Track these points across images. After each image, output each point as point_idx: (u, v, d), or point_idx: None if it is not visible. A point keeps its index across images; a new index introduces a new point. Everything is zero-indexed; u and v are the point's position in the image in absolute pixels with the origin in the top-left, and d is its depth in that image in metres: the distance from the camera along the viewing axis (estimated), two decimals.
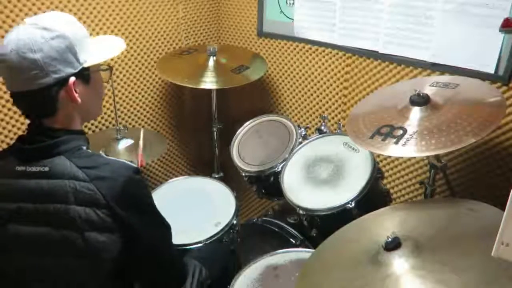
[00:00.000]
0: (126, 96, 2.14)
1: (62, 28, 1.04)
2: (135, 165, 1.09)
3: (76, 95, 1.07)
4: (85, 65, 1.08)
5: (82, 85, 1.09)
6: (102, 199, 1.01)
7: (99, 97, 1.22)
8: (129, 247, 1.07)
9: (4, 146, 1.78)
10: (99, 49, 1.15)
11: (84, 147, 1.11)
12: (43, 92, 1.03)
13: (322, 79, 2.07)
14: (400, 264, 0.97)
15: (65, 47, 1.03)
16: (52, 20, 1.05)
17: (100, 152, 1.13)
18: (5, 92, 1.73)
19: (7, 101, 1.75)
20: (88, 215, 1.01)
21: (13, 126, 1.79)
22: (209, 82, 1.93)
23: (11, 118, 1.77)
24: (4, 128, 1.77)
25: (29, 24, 1.03)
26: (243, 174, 1.83)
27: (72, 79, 1.05)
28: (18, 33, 1.02)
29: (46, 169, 1.04)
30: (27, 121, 1.13)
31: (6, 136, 1.78)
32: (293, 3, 2.05)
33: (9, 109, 1.76)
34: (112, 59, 1.99)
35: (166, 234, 1.19)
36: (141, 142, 1.68)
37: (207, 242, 1.58)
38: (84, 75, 1.10)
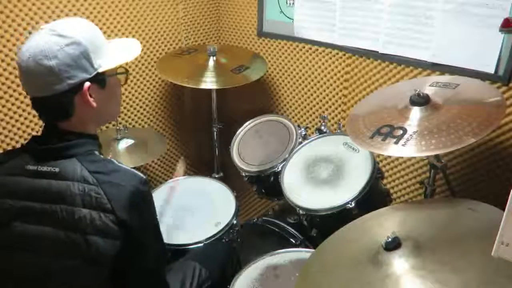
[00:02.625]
0: (126, 96, 2.14)
1: (77, 34, 1.05)
2: (144, 176, 1.09)
3: (91, 99, 1.08)
4: (100, 70, 1.09)
5: (97, 90, 1.10)
6: (108, 204, 1.02)
7: (116, 100, 1.23)
8: (128, 254, 1.07)
9: (4, 146, 1.78)
10: (114, 54, 1.15)
11: (96, 152, 1.12)
12: (59, 98, 1.05)
13: (322, 79, 2.07)
14: (400, 264, 0.97)
15: (80, 54, 1.04)
16: (68, 26, 1.07)
17: (110, 157, 1.13)
18: (5, 92, 1.73)
19: (7, 101, 1.75)
20: (93, 219, 1.02)
21: (13, 126, 1.79)
22: (209, 82, 1.93)
23: (11, 118, 1.77)
24: (4, 128, 1.77)
25: (46, 30, 1.04)
26: (243, 174, 1.83)
27: (87, 84, 1.06)
28: (35, 39, 1.03)
29: (56, 170, 1.05)
30: (28, 122, 1.13)
31: (6, 136, 1.78)
32: (293, 3, 2.05)
33: (9, 109, 1.76)
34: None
35: (161, 250, 1.20)
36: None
37: (207, 242, 1.59)
38: (100, 80, 1.10)
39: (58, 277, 1.06)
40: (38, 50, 1.02)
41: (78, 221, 1.02)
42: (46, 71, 1.01)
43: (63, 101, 1.06)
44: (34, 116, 1.80)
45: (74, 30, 1.06)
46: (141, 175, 1.09)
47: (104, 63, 1.10)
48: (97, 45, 1.09)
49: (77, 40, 1.04)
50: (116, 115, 1.29)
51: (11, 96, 1.75)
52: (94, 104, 1.09)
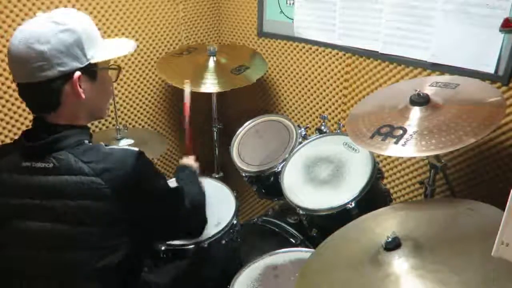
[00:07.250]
0: (126, 96, 2.14)
1: (72, 22, 1.05)
2: (136, 149, 1.09)
3: (81, 90, 1.07)
4: (92, 61, 1.08)
5: (88, 81, 1.09)
6: (110, 192, 1.01)
7: (105, 96, 1.21)
8: (143, 232, 1.08)
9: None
10: (108, 48, 1.15)
11: (87, 141, 1.10)
12: (47, 85, 1.04)
13: (322, 79, 2.07)
14: (400, 264, 0.97)
15: (73, 41, 1.04)
16: (64, 15, 1.07)
17: (101, 143, 1.12)
18: (5, 92, 1.73)
19: (7, 101, 1.75)
20: (96, 209, 1.01)
21: (13, 126, 1.79)
22: (209, 84, 1.93)
23: (11, 118, 1.78)
24: (4, 128, 1.77)
25: (43, 17, 1.05)
26: (243, 174, 1.83)
27: (77, 73, 1.05)
28: (30, 24, 1.04)
29: (51, 165, 1.04)
30: (30, 117, 1.12)
31: (6, 136, 1.78)
32: (293, 3, 2.05)
33: (9, 109, 1.76)
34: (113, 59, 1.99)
35: (178, 201, 1.21)
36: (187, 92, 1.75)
37: (207, 242, 1.58)
38: (91, 71, 1.09)
39: (64, 271, 1.05)
40: (31, 34, 1.01)
41: (80, 213, 1.01)
42: (36, 55, 1.00)
43: (52, 89, 1.04)
44: None
45: (70, 19, 1.06)
46: (134, 149, 1.08)
47: (97, 54, 1.10)
48: (91, 36, 1.09)
49: (72, 28, 1.04)
50: (105, 112, 1.25)
51: (11, 96, 1.75)
52: (83, 95, 1.07)
